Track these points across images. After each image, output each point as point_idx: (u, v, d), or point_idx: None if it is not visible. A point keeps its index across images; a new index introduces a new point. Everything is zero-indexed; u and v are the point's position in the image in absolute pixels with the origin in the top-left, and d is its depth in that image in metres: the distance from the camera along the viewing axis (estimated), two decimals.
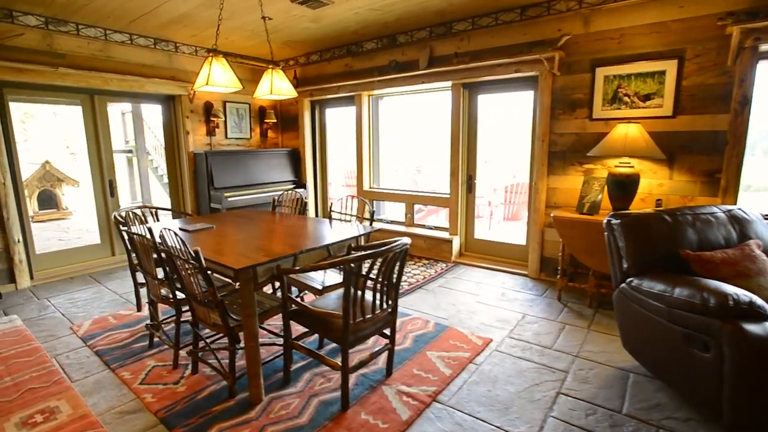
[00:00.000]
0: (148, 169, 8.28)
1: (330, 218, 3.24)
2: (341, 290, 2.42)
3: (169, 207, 5.30)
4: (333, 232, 2.66)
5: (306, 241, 2.39)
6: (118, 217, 3.13)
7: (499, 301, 3.53)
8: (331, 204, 3.39)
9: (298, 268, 2.02)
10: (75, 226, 7.15)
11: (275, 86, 2.68)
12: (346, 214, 3.32)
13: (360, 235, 2.58)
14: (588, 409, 2.10)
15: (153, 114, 9.18)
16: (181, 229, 2.76)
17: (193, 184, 5.20)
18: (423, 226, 5.18)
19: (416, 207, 5.33)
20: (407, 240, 2.01)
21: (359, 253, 1.81)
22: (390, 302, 2.14)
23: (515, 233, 6.20)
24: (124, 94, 4.68)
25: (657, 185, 3.39)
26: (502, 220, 6.77)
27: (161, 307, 3.13)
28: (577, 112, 3.69)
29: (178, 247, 1.97)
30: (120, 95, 4.66)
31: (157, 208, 3.65)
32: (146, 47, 4.61)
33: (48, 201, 7.37)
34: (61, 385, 2.28)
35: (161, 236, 2.08)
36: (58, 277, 4.21)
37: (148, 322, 2.80)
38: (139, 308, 3.31)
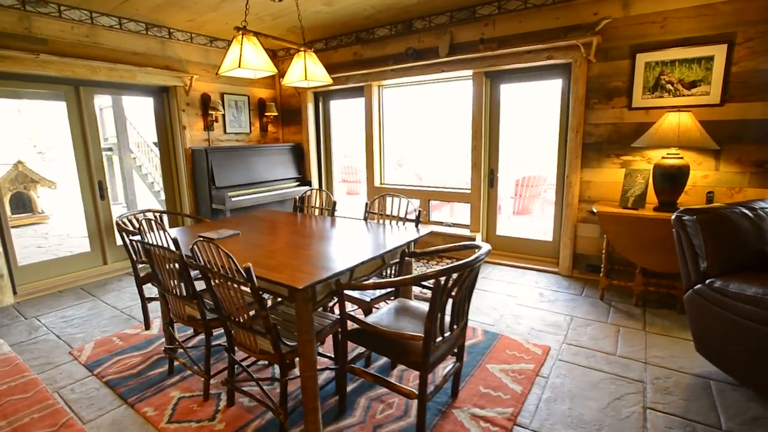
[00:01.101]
0: (132, 168, 7.70)
1: (366, 219, 2.94)
2: (392, 303, 2.14)
3: (180, 211, 4.86)
4: (384, 237, 2.36)
5: (359, 249, 2.09)
6: (122, 223, 2.74)
7: (539, 303, 3.32)
8: (367, 204, 3.08)
9: (370, 281, 1.73)
10: (54, 231, 6.57)
11: (310, 71, 2.35)
12: (386, 216, 3.03)
13: (414, 240, 2.30)
14: (685, 426, 1.89)
15: (135, 109, 8.57)
16: (201, 237, 2.40)
17: (191, 184, 4.77)
18: (441, 223, 4.93)
19: (416, 203, 5.06)
20: (488, 246, 1.74)
21: (448, 265, 1.53)
22: (464, 318, 1.87)
23: (530, 228, 6.06)
24: (113, 86, 4.21)
25: (702, 177, 3.23)
26: (512, 214, 6.60)
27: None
28: (614, 101, 3.49)
29: (220, 262, 1.64)
30: (108, 86, 4.19)
31: (162, 212, 3.26)
32: (137, 33, 4.16)
33: (21, 204, 6.74)
34: (71, 428, 1.92)
35: (193, 249, 1.74)
36: (45, 291, 3.75)
37: (166, 345, 2.44)
38: (147, 326, 2.94)
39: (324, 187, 5.86)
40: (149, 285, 3.53)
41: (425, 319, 1.60)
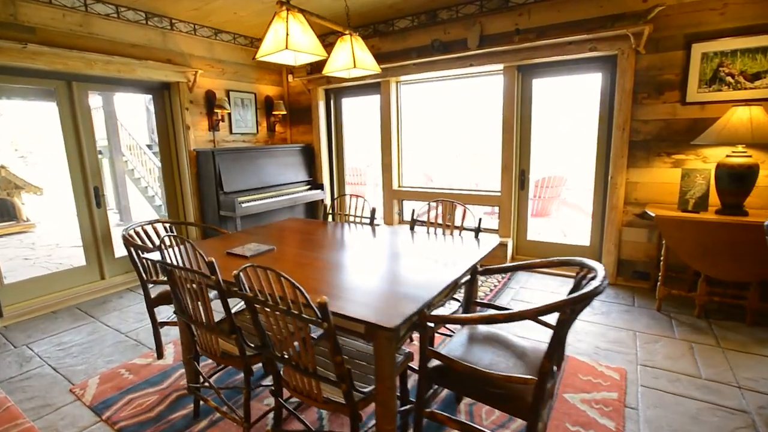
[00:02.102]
0: (124, 172, 7.22)
1: (412, 227, 2.61)
2: (464, 332, 1.81)
3: (184, 219, 4.46)
4: (451, 251, 2.04)
5: (431, 268, 1.76)
6: (129, 237, 2.36)
7: (592, 315, 3.03)
8: (415, 212, 2.74)
9: (475, 314, 1.40)
10: (42, 240, 6.07)
11: (358, 58, 2.01)
12: (436, 224, 2.70)
13: (486, 254, 1.97)
14: None
15: (127, 109, 8.08)
16: (231, 254, 2.04)
17: (195, 189, 4.38)
18: (464, 228, 4.61)
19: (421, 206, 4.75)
20: (602, 267, 1.43)
21: (577, 293, 1.22)
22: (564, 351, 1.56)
23: (551, 230, 5.79)
24: (110, 81, 3.80)
25: (765, 176, 2.99)
26: (530, 216, 6.32)
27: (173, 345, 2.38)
28: (665, 95, 3.23)
29: (278, 292, 1.30)
30: (104, 82, 3.78)
31: (172, 223, 2.88)
32: (136, 23, 3.75)
33: (5, 212, 6.22)
34: None
35: (239, 277, 1.39)
36: (36, 312, 3.32)
37: (190, 383, 2.07)
38: (160, 354, 2.55)
39: (336, 191, 5.51)
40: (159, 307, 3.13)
41: (543, 358, 1.28)
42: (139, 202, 7.75)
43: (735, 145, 2.80)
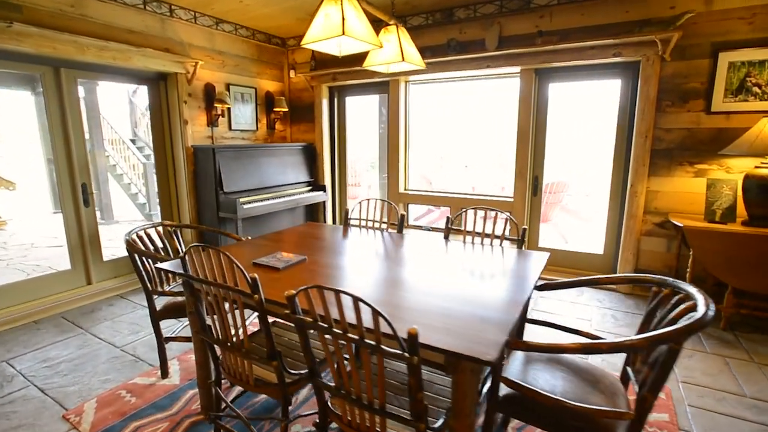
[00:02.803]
0: (106, 168, 6.79)
1: (447, 235, 2.44)
2: (518, 356, 1.66)
3: (179, 220, 4.15)
4: (508, 264, 1.89)
5: (500, 288, 1.60)
6: (133, 241, 2.11)
7: (617, 327, 2.94)
8: (449, 219, 2.58)
9: (577, 342, 1.24)
10: (15, 240, 5.60)
11: (406, 52, 1.83)
12: (474, 233, 2.54)
13: (543, 268, 1.83)
14: None
15: (109, 101, 7.63)
16: (259, 264, 1.83)
17: (192, 188, 4.09)
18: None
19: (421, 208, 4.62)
20: (700, 296, 1.30)
21: (687, 323, 1.08)
22: None
23: (553, 237, 5.73)
24: (102, 69, 3.49)
25: None
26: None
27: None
28: (690, 104, 3.19)
29: (340, 317, 1.11)
30: (96, 70, 3.46)
31: (177, 227, 2.62)
32: (133, 7, 3.46)
33: None
34: None
35: (293, 300, 1.19)
36: (15, 323, 2.99)
37: (212, 412, 1.84)
38: (165, 373, 2.30)
39: (337, 193, 5.30)
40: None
41: (645, 392, 1.13)
42: (122, 199, 7.31)
43: (765, 156, 2.77)
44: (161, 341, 2.25)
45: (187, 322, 2.55)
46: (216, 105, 4.13)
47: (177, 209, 4.16)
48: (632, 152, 3.44)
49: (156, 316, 2.21)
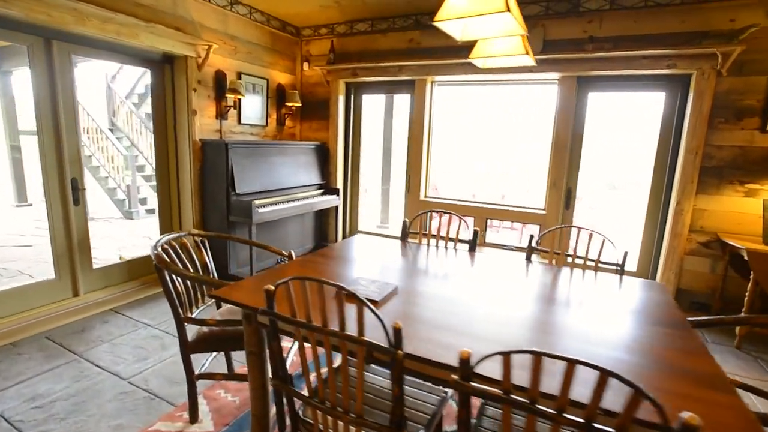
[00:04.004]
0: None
1: (529, 256, 2.16)
2: None
3: (179, 224, 3.65)
4: (632, 298, 1.63)
5: (659, 328, 1.34)
6: (162, 255, 1.71)
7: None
8: (533, 237, 2.29)
9: None
10: None
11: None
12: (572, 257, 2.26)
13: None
14: None
15: (84, 85, 6.89)
16: (345, 291, 1.48)
17: (198, 188, 3.62)
18: (499, 246, 4.27)
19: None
20: None
21: None
22: None
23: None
24: (102, 45, 2.99)
25: None
26: None
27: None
28: (744, 121, 3.09)
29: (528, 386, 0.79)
30: (94, 46, 2.96)
31: (206, 236, 2.20)
32: None
33: None
34: None
35: (463, 369, 0.86)
36: None
37: None
38: (194, 417, 1.88)
39: (349, 197, 4.94)
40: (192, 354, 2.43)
41: None
42: (98, 195, 6.61)
43: None
44: (192, 379, 1.84)
45: (214, 354, 2.15)
46: (228, 95, 3.68)
47: (178, 211, 3.68)
48: (679, 168, 3.31)
49: (187, 349, 1.80)
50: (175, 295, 1.74)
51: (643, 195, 3.72)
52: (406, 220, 2.40)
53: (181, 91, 3.46)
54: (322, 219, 4.83)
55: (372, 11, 3.98)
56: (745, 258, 2.84)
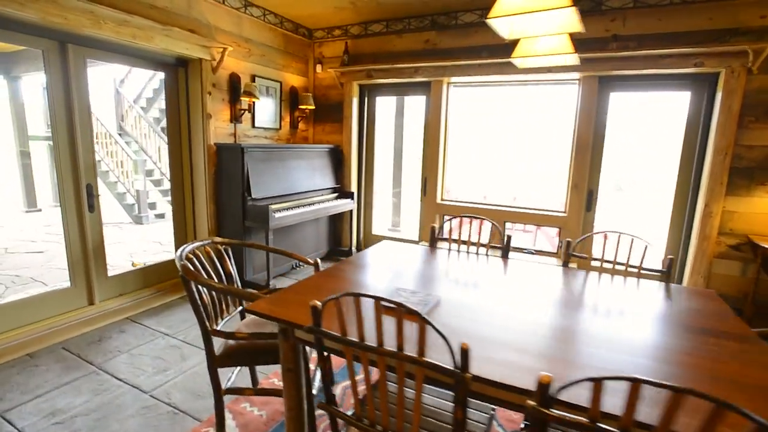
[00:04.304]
0: None
1: (566, 262, 2.08)
2: None
3: (194, 230, 3.59)
4: (686, 309, 1.55)
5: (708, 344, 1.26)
6: (187, 266, 1.64)
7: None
8: (569, 243, 2.21)
9: None
10: None
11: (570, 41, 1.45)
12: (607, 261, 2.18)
13: None
14: None
15: (92, 90, 6.86)
16: (387, 307, 1.40)
17: (213, 193, 3.56)
18: (520, 250, 4.18)
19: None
20: None
21: None
22: None
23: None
24: (116, 49, 2.94)
25: None
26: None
27: None
28: None
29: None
30: (109, 49, 2.91)
31: (229, 244, 2.13)
32: None
33: None
34: None
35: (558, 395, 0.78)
36: (4, 357, 2.39)
37: None
38: None
39: (363, 201, 4.87)
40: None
41: None
42: (107, 200, 6.57)
43: None
44: (219, 394, 1.77)
45: (238, 369, 2.08)
46: (242, 98, 3.62)
47: (193, 217, 3.62)
48: (707, 170, 3.22)
49: (215, 363, 1.73)
50: (202, 308, 1.67)
51: (663, 196, 3.63)
52: (435, 225, 2.32)
53: (196, 95, 3.41)
54: (336, 223, 4.76)
55: (387, 12, 3.92)
56: None
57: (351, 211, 4.57)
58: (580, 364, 1.09)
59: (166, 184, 7.42)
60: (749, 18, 2.97)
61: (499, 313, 1.41)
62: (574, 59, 1.53)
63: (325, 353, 1.15)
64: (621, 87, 3.59)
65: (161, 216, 6.90)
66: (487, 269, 1.95)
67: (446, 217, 4.41)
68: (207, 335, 1.69)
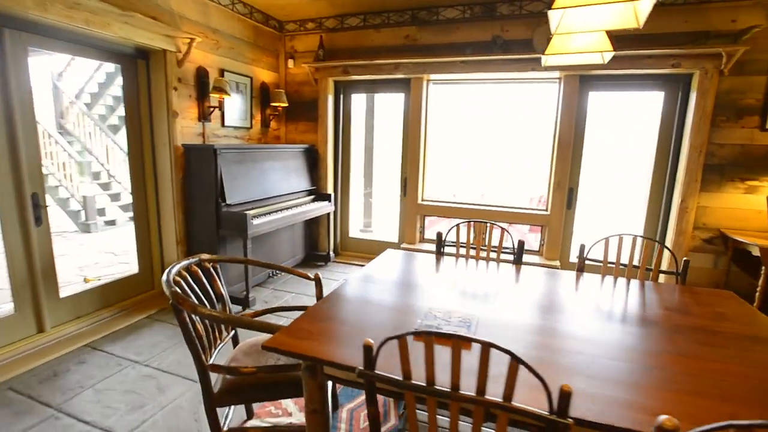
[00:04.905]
0: None
1: (581, 268, 2.01)
2: None
3: (159, 240, 3.21)
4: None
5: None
6: (175, 289, 1.41)
7: None
8: (583, 247, 2.14)
9: None
10: None
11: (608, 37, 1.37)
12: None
13: None
14: None
15: None
16: (422, 333, 1.25)
17: (181, 199, 3.22)
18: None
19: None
20: None
21: None
22: None
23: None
24: (66, 36, 2.54)
25: None
26: (527, 232, 6.17)
27: None
28: (744, 120, 3.15)
29: None
30: (55, 36, 2.51)
31: (220, 260, 1.87)
32: None
33: None
34: None
35: None
36: None
37: None
38: None
39: (339, 203, 4.66)
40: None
41: None
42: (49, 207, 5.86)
43: None
44: None
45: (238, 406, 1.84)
46: (212, 94, 3.30)
47: (158, 226, 3.25)
48: (683, 166, 3.34)
49: (213, 401, 1.49)
50: (197, 340, 1.43)
51: (637, 194, 3.75)
52: (441, 232, 2.19)
53: (159, 90, 3.05)
54: (312, 227, 4.53)
55: (363, 5, 3.74)
56: (754, 254, 2.89)
57: (328, 214, 4.35)
58: (707, 394, 0.99)
59: (116, 188, 6.77)
60: (721, 22, 3.10)
61: (545, 332, 1.30)
62: (609, 56, 1.46)
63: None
64: (599, 86, 3.65)
65: (111, 223, 6.28)
66: (508, 279, 1.84)
67: (456, 222, 4.33)
68: (204, 371, 1.45)
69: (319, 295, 1.88)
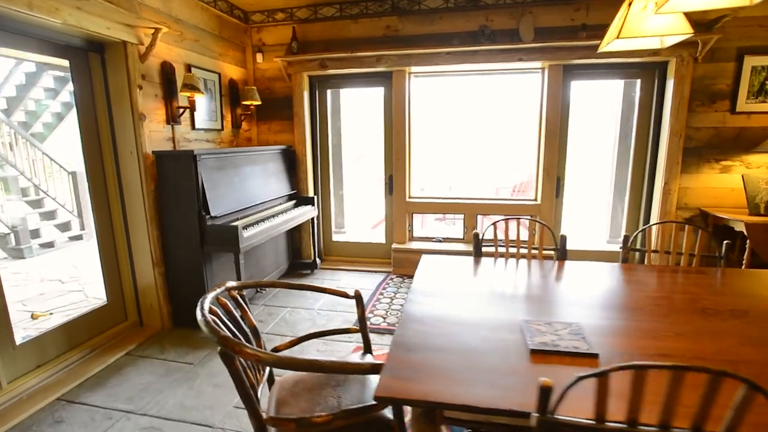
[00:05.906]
0: None
1: (625, 258, 1.95)
2: None
3: (130, 263, 2.74)
4: None
5: None
6: (210, 320, 1.16)
7: None
8: (628, 238, 2.08)
9: None
10: None
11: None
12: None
13: None
14: None
15: None
16: (541, 351, 1.09)
17: (155, 214, 2.80)
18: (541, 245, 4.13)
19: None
20: None
21: None
22: None
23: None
24: (5, 24, 2.05)
25: None
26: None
27: None
28: (717, 104, 3.35)
29: None
30: None
31: (245, 286, 1.59)
32: None
33: None
34: None
35: None
36: None
37: None
38: None
39: (321, 206, 4.39)
40: None
41: None
42: None
43: None
44: None
45: None
46: (182, 93, 2.90)
47: (128, 246, 2.81)
48: (664, 150, 3.49)
49: None
50: (250, 388, 1.17)
51: (616, 179, 3.90)
52: (477, 232, 2.05)
53: (121, 90, 2.61)
54: (295, 233, 4.22)
55: None
56: (737, 229, 3.09)
57: (312, 219, 4.06)
58: None
59: (50, 204, 5.91)
60: (694, 11, 3.24)
61: (682, 334, 1.20)
62: (676, 39, 1.40)
63: None
64: (580, 75, 3.72)
65: (49, 245, 5.47)
66: (570, 276, 1.74)
67: (494, 220, 4.19)
68: (261, 426, 1.19)
69: (361, 314, 1.66)
